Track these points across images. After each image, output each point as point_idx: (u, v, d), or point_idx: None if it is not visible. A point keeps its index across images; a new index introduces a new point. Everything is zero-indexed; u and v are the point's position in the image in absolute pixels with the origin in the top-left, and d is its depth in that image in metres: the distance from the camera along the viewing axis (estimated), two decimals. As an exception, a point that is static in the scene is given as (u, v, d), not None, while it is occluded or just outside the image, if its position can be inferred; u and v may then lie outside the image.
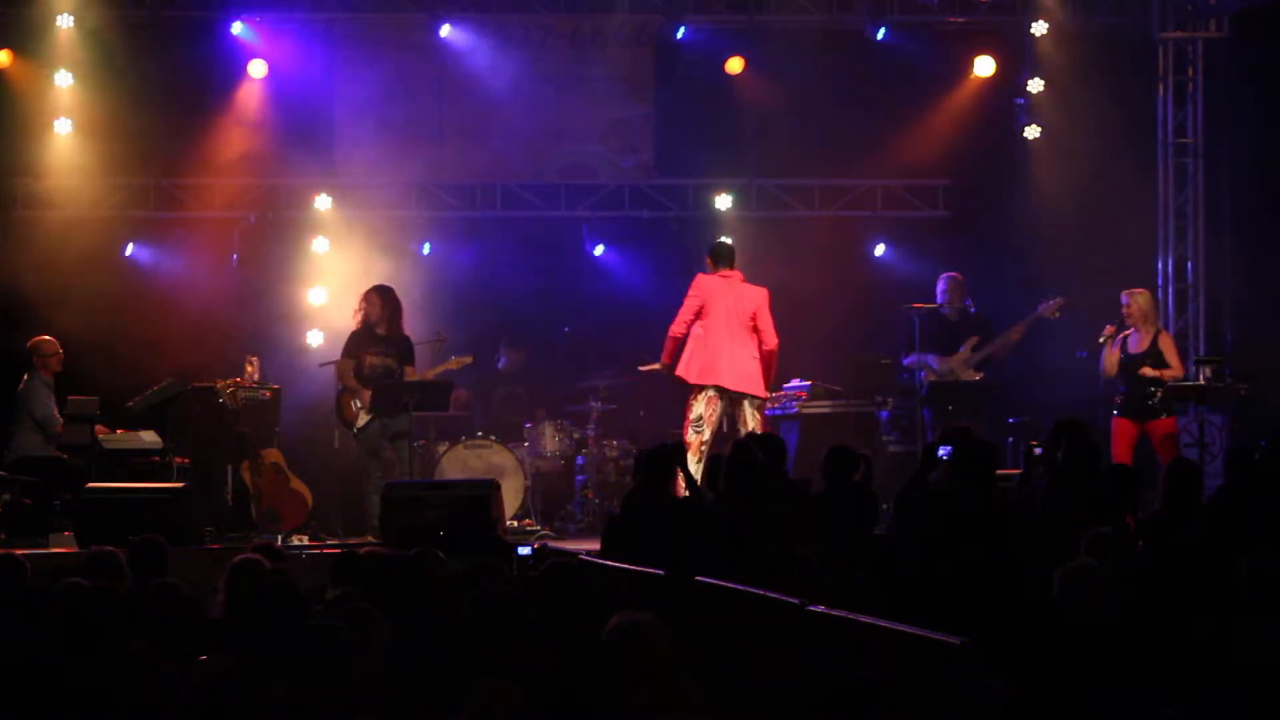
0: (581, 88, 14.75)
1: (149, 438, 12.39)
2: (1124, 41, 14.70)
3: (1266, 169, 13.97)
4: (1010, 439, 12.97)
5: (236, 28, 14.17)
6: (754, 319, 11.79)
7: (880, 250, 15.19)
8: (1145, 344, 12.19)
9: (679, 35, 14.70)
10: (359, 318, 12.43)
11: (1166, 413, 12.06)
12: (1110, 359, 12.21)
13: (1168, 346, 12.30)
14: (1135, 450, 12.09)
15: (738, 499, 8.36)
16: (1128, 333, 12.24)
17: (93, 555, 7.38)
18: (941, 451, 8.67)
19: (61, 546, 10.74)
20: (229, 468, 12.51)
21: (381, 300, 12.41)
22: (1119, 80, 14.57)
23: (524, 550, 9.63)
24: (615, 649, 4.84)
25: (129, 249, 14.46)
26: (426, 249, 14.78)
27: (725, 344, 11.66)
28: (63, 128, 14.11)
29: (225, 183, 14.55)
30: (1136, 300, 12.32)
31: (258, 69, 14.37)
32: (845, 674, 4.49)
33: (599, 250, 15.02)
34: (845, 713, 4.35)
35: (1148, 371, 12.04)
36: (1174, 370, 12.15)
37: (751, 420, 11.70)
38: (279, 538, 11.45)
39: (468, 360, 12.83)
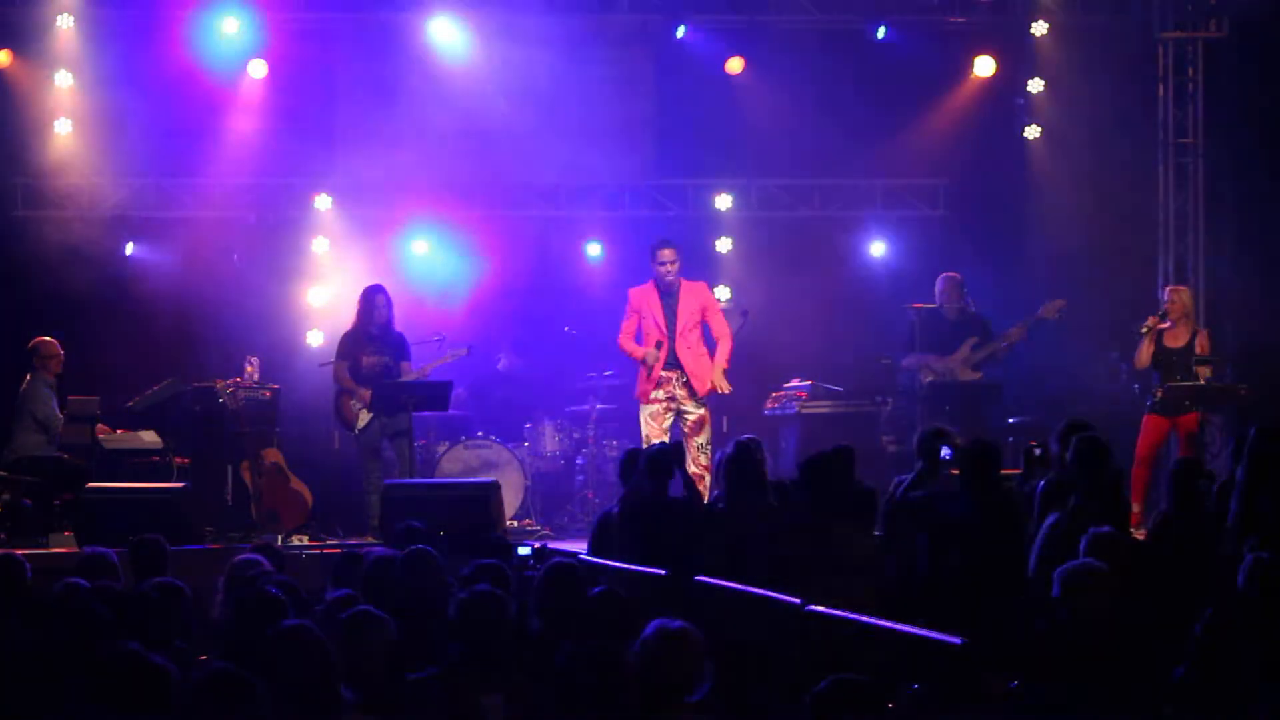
0: (581, 88, 14.74)
1: (149, 438, 12.39)
2: (1124, 41, 14.69)
3: (1267, 169, 13.97)
4: (1010, 439, 12.97)
5: (231, 26, 14.16)
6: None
7: (879, 250, 15.19)
8: (1183, 340, 12.21)
9: (679, 35, 14.70)
10: (358, 319, 12.43)
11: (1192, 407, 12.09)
12: (1144, 351, 12.22)
13: (1205, 345, 12.32)
14: (1162, 446, 12.10)
15: (737, 498, 8.37)
16: (1164, 326, 12.23)
17: (87, 557, 7.38)
18: (943, 452, 8.68)
19: (61, 546, 10.75)
20: (229, 468, 12.51)
21: (378, 300, 12.42)
22: (1119, 80, 14.56)
23: (524, 550, 9.62)
24: (651, 659, 4.81)
25: (129, 249, 14.46)
26: (421, 249, 14.77)
27: None
28: (63, 128, 14.10)
29: (225, 183, 14.55)
30: (1180, 296, 12.36)
31: (258, 69, 14.37)
32: (845, 674, 4.48)
33: (595, 251, 15.04)
34: (845, 713, 4.34)
35: (1202, 371, 12.09)
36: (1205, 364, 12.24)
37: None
38: (279, 538, 11.45)
39: (462, 352, 12.82)
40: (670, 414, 11.72)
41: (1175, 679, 5.66)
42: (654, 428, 11.67)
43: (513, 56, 14.62)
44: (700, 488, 10.75)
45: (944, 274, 13.61)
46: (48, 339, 12.36)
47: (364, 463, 12.38)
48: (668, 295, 11.75)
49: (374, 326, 12.39)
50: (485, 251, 14.87)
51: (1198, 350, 12.21)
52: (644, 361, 11.69)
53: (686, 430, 11.68)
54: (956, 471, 8.68)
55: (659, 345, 11.71)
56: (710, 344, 11.94)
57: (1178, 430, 12.08)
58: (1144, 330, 12.25)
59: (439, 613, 5.98)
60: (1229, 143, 14.46)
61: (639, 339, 11.83)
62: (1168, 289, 12.54)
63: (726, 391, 11.90)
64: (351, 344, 12.44)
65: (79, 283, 14.02)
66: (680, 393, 11.70)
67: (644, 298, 11.78)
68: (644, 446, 10.95)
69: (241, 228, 14.52)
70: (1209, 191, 14.64)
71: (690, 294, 11.84)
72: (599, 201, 14.99)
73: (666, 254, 11.74)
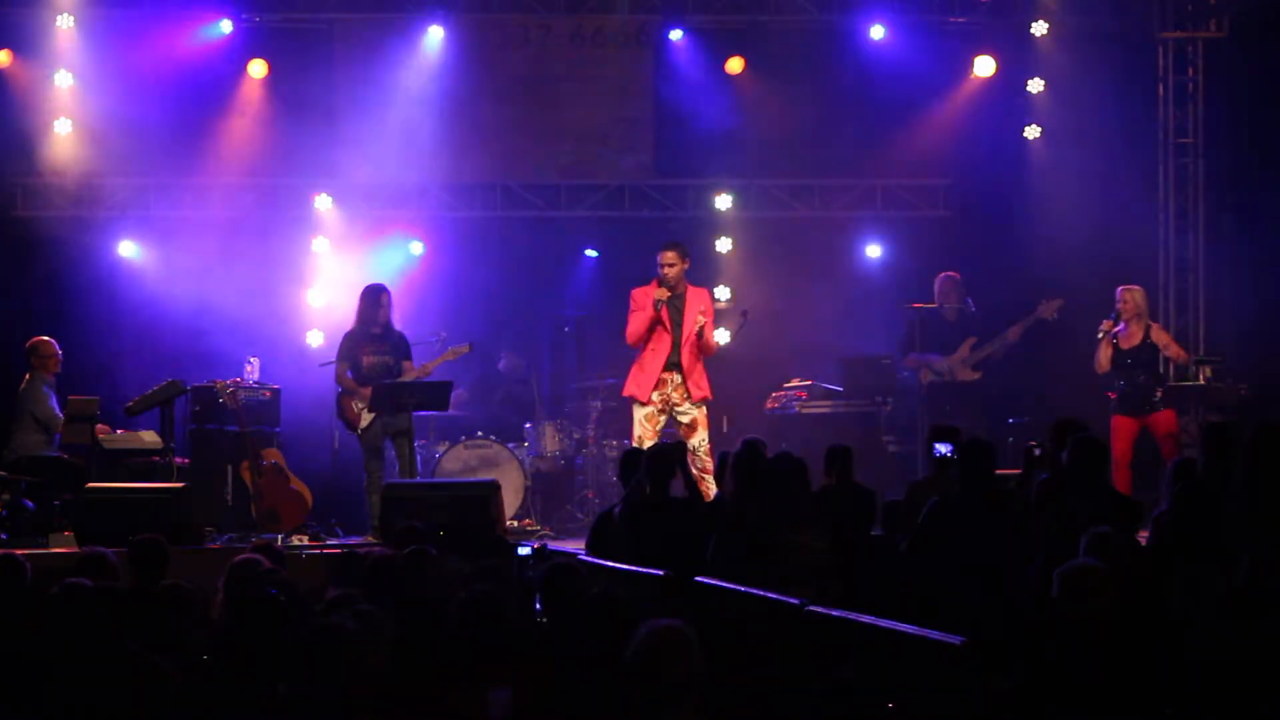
0: (582, 88, 14.75)
1: (149, 438, 12.39)
2: (1124, 41, 14.71)
3: (1267, 169, 13.97)
4: (1010, 439, 12.98)
5: (226, 26, 14.16)
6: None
7: (879, 250, 15.19)
8: (1137, 339, 12.20)
9: (679, 35, 14.70)
10: (359, 318, 12.44)
11: (1165, 406, 12.08)
12: (1103, 355, 12.21)
13: (1162, 337, 12.33)
14: (1135, 446, 12.11)
15: (742, 496, 8.38)
16: (1119, 328, 12.23)
17: (85, 556, 7.38)
18: (943, 449, 8.69)
19: (61, 546, 10.75)
20: (229, 468, 12.51)
21: (378, 299, 12.43)
22: (1119, 80, 14.57)
23: (524, 550, 9.62)
24: (645, 660, 4.80)
25: (128, 249, 14.46)
26: (421, 249, 14.77)
27: None
28: (63, 128, 14.11)
29: (225, 183, 14.55)
30: (1132, 295, 12.32)
31: (258, 69, 14.37)
32: (845, 674, 4.49)
33: (594, 251, 15.06)
34: (845, 713, 4.34)
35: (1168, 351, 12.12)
36: (1181, 354, 12.24)
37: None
38: (279, 538, 11.44)
39: (465, 349, 12.82)
40: (664, 416, 11.71)
41: (1175, 679, 5.66)
42: (647, 429, 11.64)
43: (512, 56, 14.64)
44: (701, 488, 10.75)
45: (943, 274, 13.63)
46: (46, 339, 12.37)
47: (366, 462, 12.38)
48: (674, 297, 11.75)
49: (375, 326, 12.39)
50: (485, 251, 14.88)
51: (1155, 341, 12.18)
52: (657, 304, 11.59)
53: (681, 432, 11.66)
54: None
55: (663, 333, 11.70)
56: None
57: (1152, 430, 12.07)
58: (1100, 335, 12.23)
59: (439, 613, 5.99)
60: (1229, 143, 14.47)
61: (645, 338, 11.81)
62: (1119, 289, 12.42)
63: (711, 336, 11.74)
64: (352, 344, 12.44)
65: (79, 283, 14.05)
66: (675, 395, 11.68)
67: (648, 297, 11.77)
68: (635, 447, 10.97)
69: (241, 228, 14.52)
70: (1209, 191, 14.66)
71: (695, 298, 11.84)
72: (599, 201, 14.99)
73: (667, 256, 11.72)
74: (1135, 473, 11.95)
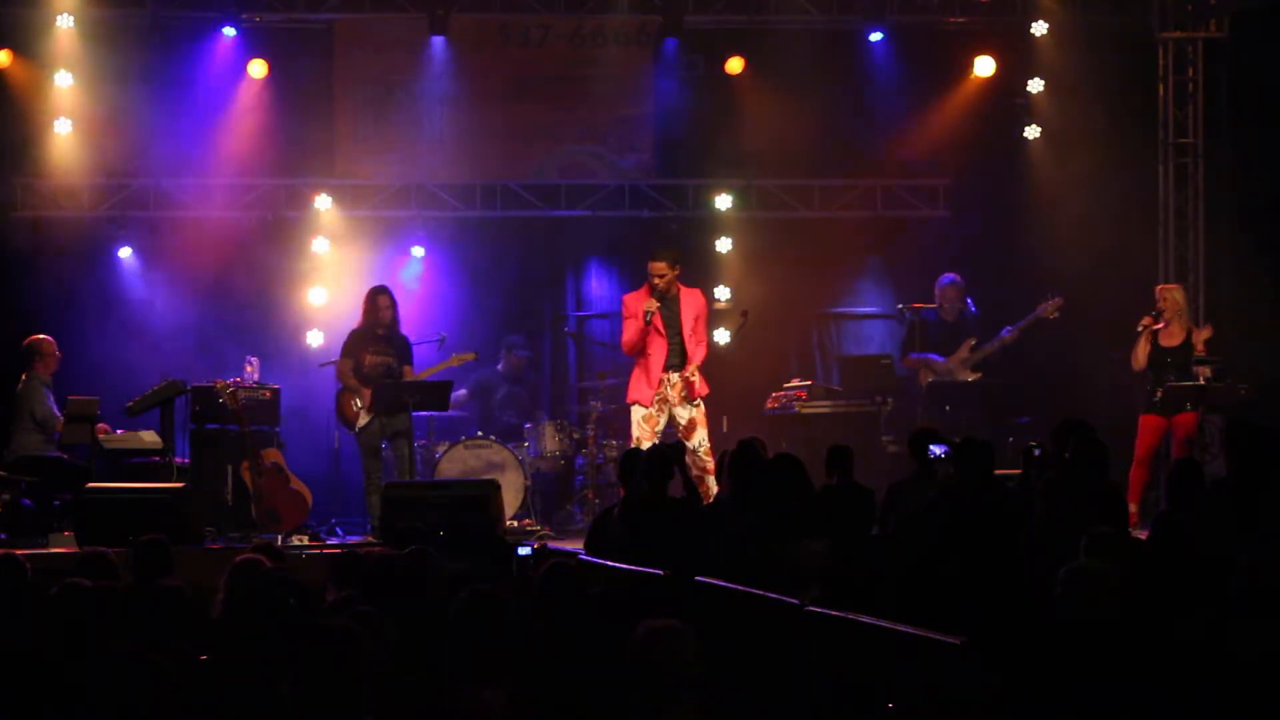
0: (581, 88, 14.75)
1: (149, 438, 12.40)
2: (1124, 41, 14.71)
3: (1267, 169, 13.97)
4: (1010, 439, 12.98)
5: (229, 32, 14.16)
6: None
7: (880, 250, 15.18)
8: (1179, 339, 12.18)
9: (679, 35, 14.70)
10: (364, 318, 12.46)
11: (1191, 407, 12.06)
12: (1141, 351, 12.17)
13: (1202, 341, 12.31)
14: (1160, 446, 12.11)
15: (739, 496, 8.38)
16: (1159, 326, 12.20)
17: (85, 556, 7.38)
18: (938, 450, 8.69)
19: (61, 546, 10.76)
20: (229, 468, 12.51)
21: (386, 301, 12.46)
22: (1119, 80, 14.57)
23: (524, 550, 9.63)
24: (644, 659, 4.80)
25: (128, 249, 14.46)
26: (421, 249, 14.76)
27: None
28: (63, 128, 14.10)
29: (225, 183, 14.55)
30: (1172, 294, 12.34)
31: (258, 69, 14.37)
32: (845, 674, 4.49)
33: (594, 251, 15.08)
34: (845, 713, 4.34)
35: (1202, 371, 12.09)
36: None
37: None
38: (279, 538, 11.45)
39: (470, 357, 12.85)
40: (663, 416, 11.70)
41: (1175, 678, 5.66)
42: (645, 430, 11.62)
43: (512, 56, 14.64)
44: (701, 489, 10.75)
45: (945, 275, 13.63)
46: (44, 337, 12.37)
47: (364, 462, 12.39)
48: (668, 301, 11.73)
49: (379, 327, 12.42)
50: (485, 251, 14.87)
51: (1198, 347, 12.20)
52: (646, 315, 11.58)
53: (679, 434, 11.65)
54: (951, 470, 8.70)
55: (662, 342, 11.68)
56: None
57: (1174, 430, 12.08)
58: (1140, 329, 12.23)
59: (439, 613, 5.98)
60: (1229, 143, 14.47)
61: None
62: (1158, 288, 12.48)
63: (705, 393, 11.82)
64: (356, 343, 12.48)
65: (79, 282, 14.05)
66: (673, 395, 11.67)
67: (640, 304, 11.75)
68: (635, 448, 10.97)
69: (241, 228, 14.52)
70: (1209, 191, 14.66)
71: (689, 300, 11.83)
72: (599, 201, 14.99)
73: (657, 267, 11.71)
74: (1152, 473, 12.00)
